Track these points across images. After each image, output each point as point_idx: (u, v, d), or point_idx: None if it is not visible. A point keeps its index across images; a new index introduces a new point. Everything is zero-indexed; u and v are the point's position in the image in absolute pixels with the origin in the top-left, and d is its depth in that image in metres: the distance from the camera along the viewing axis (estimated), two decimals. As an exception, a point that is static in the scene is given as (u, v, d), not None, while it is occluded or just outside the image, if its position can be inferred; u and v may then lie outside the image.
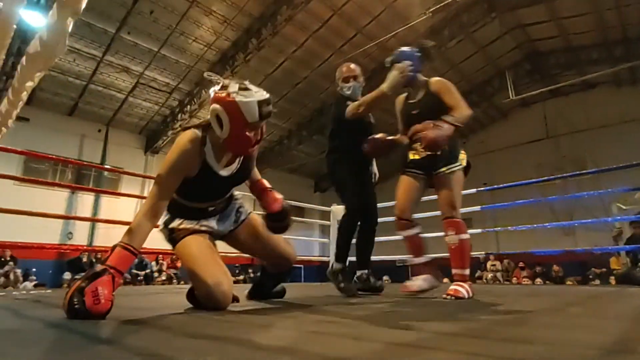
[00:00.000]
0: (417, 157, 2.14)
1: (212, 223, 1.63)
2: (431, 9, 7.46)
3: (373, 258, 2.81)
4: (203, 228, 1.58)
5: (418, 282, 2.12)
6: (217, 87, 1.41)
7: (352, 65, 2.54)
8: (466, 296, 1.89)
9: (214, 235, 1.64)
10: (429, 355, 0.70)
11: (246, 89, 1.39)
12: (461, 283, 1.95)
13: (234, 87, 1.38)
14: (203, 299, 1.41)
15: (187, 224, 1.57)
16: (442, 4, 7.33)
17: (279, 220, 1.68)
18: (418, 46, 2.25)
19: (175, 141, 1.44)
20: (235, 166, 1.58)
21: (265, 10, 7.87)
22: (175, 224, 1.58)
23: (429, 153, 2.05)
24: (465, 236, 2.03)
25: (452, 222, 2.03)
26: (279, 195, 1.71)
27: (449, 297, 1.89)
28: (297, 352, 0.71)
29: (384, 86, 2.08)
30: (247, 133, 1.40)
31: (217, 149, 1.48)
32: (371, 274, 2.52)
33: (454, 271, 2.01)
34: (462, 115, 1.99)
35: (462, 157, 2.11)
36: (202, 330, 1.00)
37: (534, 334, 0.93)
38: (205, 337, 0.89)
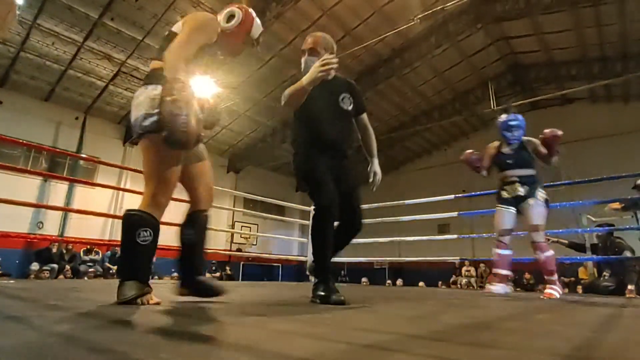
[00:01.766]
0: (508, 196, 3.02)
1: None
2: (419, 16, 7.55)
3: (352, 260, 2.92)
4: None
5: (499, 288, 2.96)
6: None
7: (315, 35, 2.10)
8: (558, 296, 2.75)
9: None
10: (391, 357, 0.70)
11: None
12: (553, 286, 2.80)
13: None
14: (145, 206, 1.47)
15: None
16: (430, 12, 7.43)
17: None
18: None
19: (191, 16, 1.62)
20: None
21: (254, 5, 7.71)
22: None
23: (518, 194, 2.97)
24: (549, 253, 2.87)
25: (536, 246, 2.88)
26: None
27: (545, 298, 2.73)
28: (256, 350, 0.69)
29: (304, 80, 1.83)
30: (242, 41, 1.78)
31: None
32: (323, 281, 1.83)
33: (546, 278, 2.86)
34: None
35: (542, 195, 2.96)
36: (161, 325, 0.97)
37: (497, 339, 0.95)
38: (162, 333, 0.86)
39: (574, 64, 9.85)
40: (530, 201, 2.91)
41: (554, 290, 2.77)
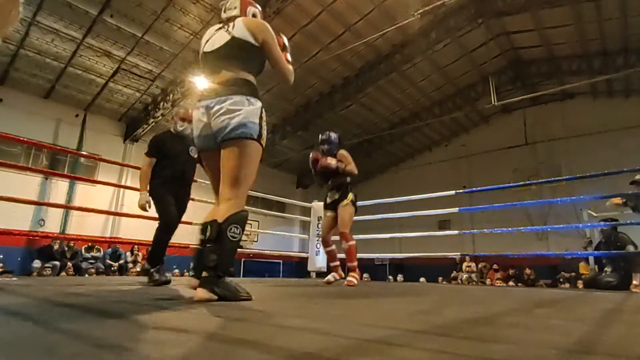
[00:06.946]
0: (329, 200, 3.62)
1: None
2: (419, 11, 7.51)
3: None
4: None
5: (330, 276, 3.53)
6: None
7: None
8: (357, 283, 3.19)
9: None
10: (395, 351, 0.70)
11: None
12: (353, 274, 3.24)
13: None
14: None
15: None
16: (430, 7, 7.39)
17: None
18: None
19: (265, 27, 1.95)
20: None
21: (254, 1, 7.76)
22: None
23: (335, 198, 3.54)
24: (352, 243, 3.34)
25: (343, 236, 3.34)
26: None
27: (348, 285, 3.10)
28: (261, 345, 0.70)
29: None
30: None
31: None
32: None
33: (348, 265, 3.32)
34: None
35: (350, 197, 3.44)
36: (168, 322, 0.98)
37: (499, 333, 0.95)
38: (169, 329, 0.87)
39: (574, 59, 9.81)
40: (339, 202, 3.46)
41: (354, 278, 3.19)
